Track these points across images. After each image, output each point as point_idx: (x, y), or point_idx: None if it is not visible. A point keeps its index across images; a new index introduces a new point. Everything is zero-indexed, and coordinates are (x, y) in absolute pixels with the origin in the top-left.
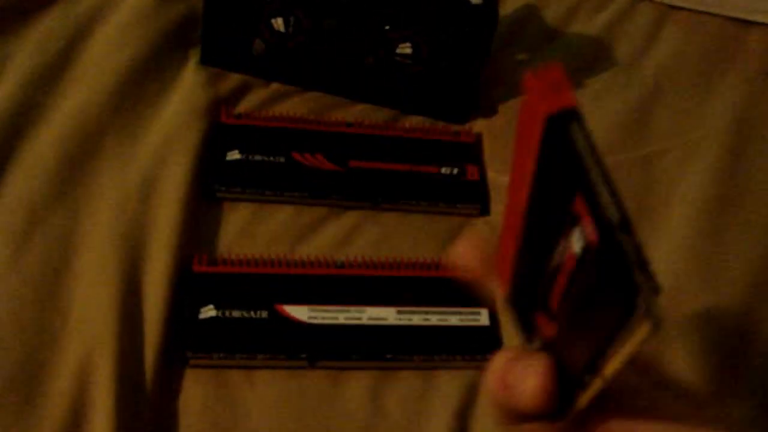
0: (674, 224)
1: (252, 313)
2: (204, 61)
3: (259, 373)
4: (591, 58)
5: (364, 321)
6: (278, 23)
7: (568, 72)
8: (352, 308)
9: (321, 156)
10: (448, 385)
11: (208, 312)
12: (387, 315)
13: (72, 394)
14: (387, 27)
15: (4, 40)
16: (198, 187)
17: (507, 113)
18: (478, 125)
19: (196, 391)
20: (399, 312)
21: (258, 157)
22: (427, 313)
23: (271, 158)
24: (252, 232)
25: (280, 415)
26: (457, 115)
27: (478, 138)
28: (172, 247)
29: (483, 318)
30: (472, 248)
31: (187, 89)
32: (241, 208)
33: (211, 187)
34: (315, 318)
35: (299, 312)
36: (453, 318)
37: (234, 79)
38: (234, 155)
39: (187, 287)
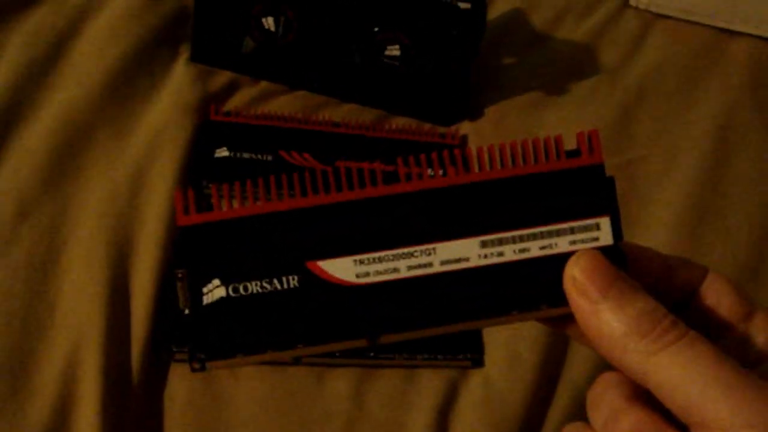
0: (654, 230)
1: None
2: (194, 59)
3: (244, 368)
4: (576, 64)
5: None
6: (268, 22)
7: (553, 76)
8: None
9: (308, 155)
10: (429, 382)
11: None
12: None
13: (59, 386)
14: (376, 29)
15: None
16: (186, 183)
17: (493, 116)
18: (464, 128)
19: (181, 385)
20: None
21: (246, 155)
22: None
23: (259, 156)
24: None
25: (264, 410)
26: (444, 118)
27: (464, 140)
28: (159, 241)
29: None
30: None
31: (177, 86)
32: None
33: (199, 183)
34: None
35: None
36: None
37: (223, 77)
38: (222, 152)
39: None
